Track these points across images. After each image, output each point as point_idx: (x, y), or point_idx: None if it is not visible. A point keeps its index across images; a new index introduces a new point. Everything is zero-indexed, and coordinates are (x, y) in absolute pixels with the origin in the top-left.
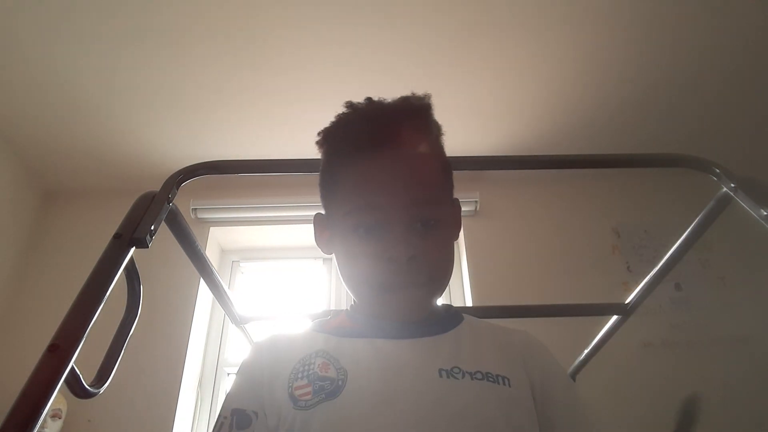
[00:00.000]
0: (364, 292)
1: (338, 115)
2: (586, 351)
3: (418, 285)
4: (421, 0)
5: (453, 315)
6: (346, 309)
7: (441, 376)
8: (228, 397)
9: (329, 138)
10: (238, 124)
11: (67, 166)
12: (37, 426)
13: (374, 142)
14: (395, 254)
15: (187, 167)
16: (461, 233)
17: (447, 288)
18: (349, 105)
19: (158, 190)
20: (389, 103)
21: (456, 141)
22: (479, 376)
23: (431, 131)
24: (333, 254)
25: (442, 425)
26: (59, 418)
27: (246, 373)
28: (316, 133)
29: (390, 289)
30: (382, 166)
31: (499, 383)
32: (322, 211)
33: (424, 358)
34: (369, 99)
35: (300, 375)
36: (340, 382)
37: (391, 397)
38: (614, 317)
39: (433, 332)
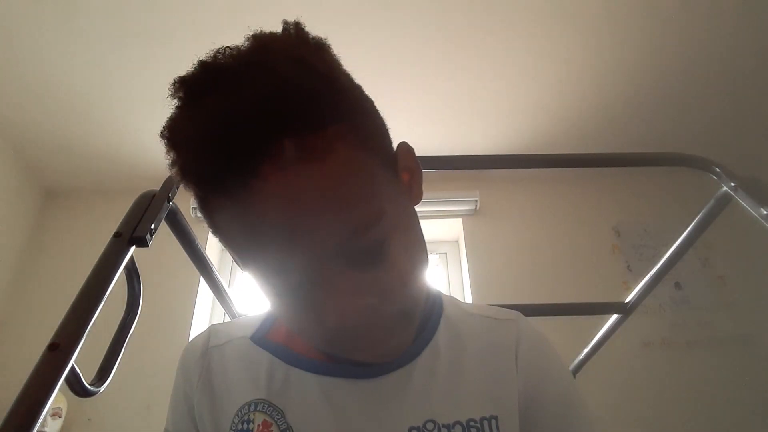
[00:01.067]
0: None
1: (174, 110)
2: (585, 350)
3: (387, 333)
4: (421, 1)
5: (428, 316)
6: None
7: None
8: (167, 416)
9: (176, 147)
10: None
11: (67, 166)
12: (38, 425)
13: (240, 168)
14: (338, 323)
15: None
16: (461, 233)
17: (447, 289)
18: (182, 86)
19: (158, 189)
20: (243, 74)
21: (455, 141)
22: (459, 429)
23: (328, 97)
24: None
25: None
26: (59, 417)
27: (178, 393)
28: None
29: (352, 349)
30: (276, 200)
31: (487, 429)
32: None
33: (392, 413)
34: (206, 70)
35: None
36: None
37: None
38: (614, 316)
39: (402, 362)
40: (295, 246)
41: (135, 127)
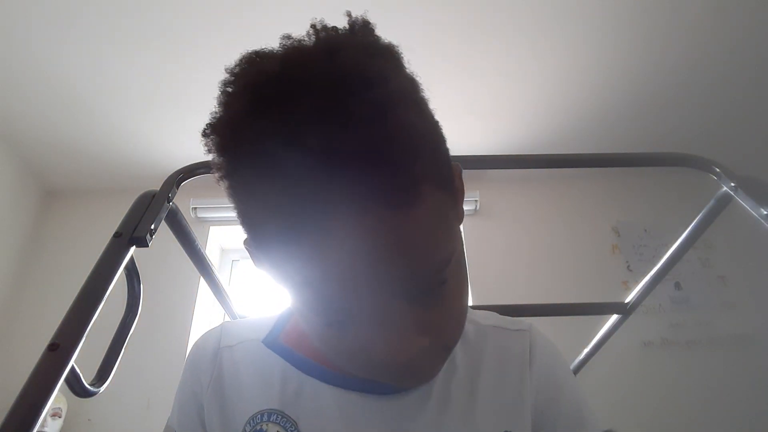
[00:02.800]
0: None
1: (241, 110)
2: (586, 350)
3: (432, 364)
4: (421, 1)
5: None
6: None
7: None
8: (171, 412)
9: (231, 155)
10: None
11: (67, 166)
12: (38, 425)
13: (321, 208)
14: (388, 358)
15: (186, 166)
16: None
17: None
18: (254, 91)
19: (158, 189)
20: (356, 110)
21: (456, 141)
22: None
23: (413, 123)
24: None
25: None
26: (59, 417)
27: (186, 390)
28: None
29: (380, 378)
30: (346, 246)
31: None
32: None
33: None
34: (287, 78)
35: None
36: None
37: None
38: (614, 316)
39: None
40: (363, 289)
41: (135, 128)
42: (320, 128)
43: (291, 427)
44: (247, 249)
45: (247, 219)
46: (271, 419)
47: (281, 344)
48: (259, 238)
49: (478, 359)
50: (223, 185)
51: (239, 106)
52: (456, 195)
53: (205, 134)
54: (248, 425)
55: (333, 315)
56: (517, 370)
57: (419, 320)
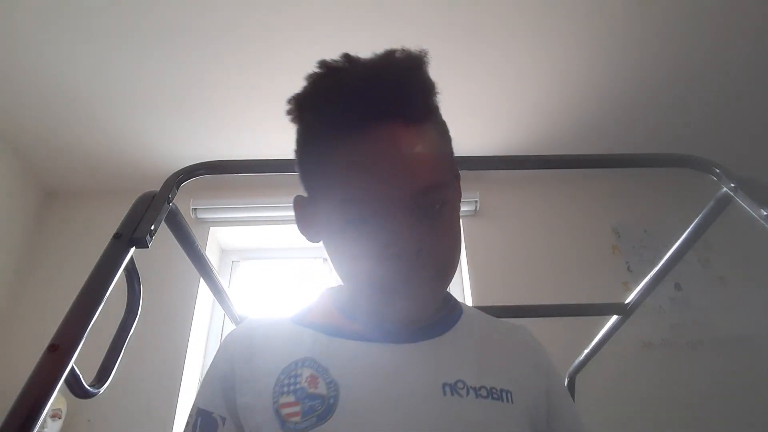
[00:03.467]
0: (366, 293)
1: (313, 78)
2: (586, 351)
3: (427, 281)
4: (420, 3)
5: (452, 307)
6: (334, 299)
7: (445, 393)
8: (197, 393)
9: (305, 109)
10: (239, 124)
11: (67, 166)
12: (37, 426)
13: (364, 117)
14: (401, 249)
15: (187, 167)
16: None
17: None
18: (325, 65)
19: (158, 190)
20: (377, 63)
21: (456, 141)
22: (484, 392)
23: (430, 94)
24: (321, 242)
25: None
26: (59, 418)
27: (216, 373)
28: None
29: (396, 289)
30: (377, 148)
31: (503, 400)
32: (303, 194)
33: (427, 369)
34: (348, 57)
35: (286, 389)
36: (331, 400)
37: (392, 420)
38: (614, 317)
39: (433, 333)
40: (393, 178)
41: (135, 128)
42: (367, 71)
43: (323, 371)
44: (296, 210)
45: (307, 156)
46: (305, 365)
47: (308, 320)
48: (314, 167)
49: (481, 333)
50: (298, 136)
51: (314, 75)
52: (455, 171)
53: (290, 101)
54: (283, 374)
55: (364, 207)
56: (520, 354)
57: (421, 229)
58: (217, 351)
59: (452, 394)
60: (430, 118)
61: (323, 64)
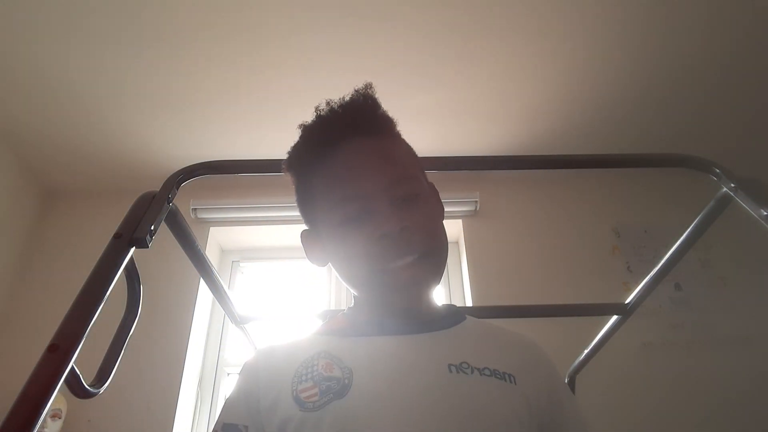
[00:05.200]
0: (366, 279)
1: (300, 134)
2: (586, 351)
3: (416, 257)
4: (419, 3)
5: (454, 313)
6: (344, 311)
7: (451, 371)
8: (222, 410)
9: (294, 155)
10: (239, 124)
11: (68, 167)
12: (37, 426)
13: (337, 137)
14: (386, 229)
15: (187, 167)
16: (461, 233)
17: (447, 289)
18: (302, 125)
19: (158, 190)
20: (341, 101)
21: (455, 141)
22: (487, 372)
23: (389, 119)
24: (329, 263)
25: (456, 420)
26: (59, 418)
27: (240, 385)
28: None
29: (393, 268)
30: (352, 155)
31: (506, 381)
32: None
33: (431, 352)
34: (320, 105)
35: (304, 377)
36: (346, 381)
37: (403, 393)
38: (614, 317)
39: (435, 328)
40: (368, 174)
41: (135, 128)
42: (332, 110)
43: (337, 360)
44: (305, 242)
45: (302, 186)
46: (320, 357)
47: (323, 331)
48: (309, 191)
49: (484, 334)
50: (295, 182)
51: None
52: (423, 173)
53: (284, 160)
54: (301, 367)
55: (350, 205)
56: (521, 355)
57: (399, 212)
58: (241, 371)
59: (458, 372)
60: (387, 132)
61: (301, 125)
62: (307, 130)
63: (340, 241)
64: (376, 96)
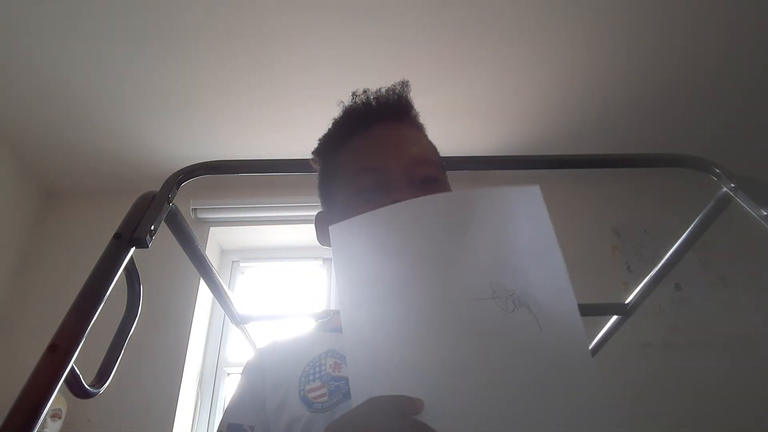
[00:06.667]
0: None
1: (331, 124)
2: None
3: None
4: (421, 3)
5: None
6: None
7: None
8: (226, 409)
9: (324, 141)
10: (239, 124)
11: (67, 166)
12: (37, 426)
13: (368, 121)
14: (399, 198)
15: (187, 167)
16: None
17: None
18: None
19: (158, 190)
20: (378, 94)
21: (456, 141)
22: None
23: (417, 116)
24: None
25: None
26: (59, 418)
27: (244, 384)
28: (316, 133)
29: None
30: (379, 135)
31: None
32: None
33: None
34: (357, 91)
35: (311, 377)
36: None
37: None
38: (614, 317)
39: None
40: (391, 152)
41: (135, 128)
42: (377, 105)
43: (343, 358)
44: (318, 223)
45: (327, 164)
46: (328, 356)
47: (328, 327)
48: (332, 166)
49: None
50: (320, 165)
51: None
52: (441, 162)
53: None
54: (308, 366)
55: (369, 177)
56: None
57: (418, 192)
58: (244, 370)
59: None
60: (412, 121)
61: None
62: (339, 119)
63: (353, 209)
64: (410, 96)
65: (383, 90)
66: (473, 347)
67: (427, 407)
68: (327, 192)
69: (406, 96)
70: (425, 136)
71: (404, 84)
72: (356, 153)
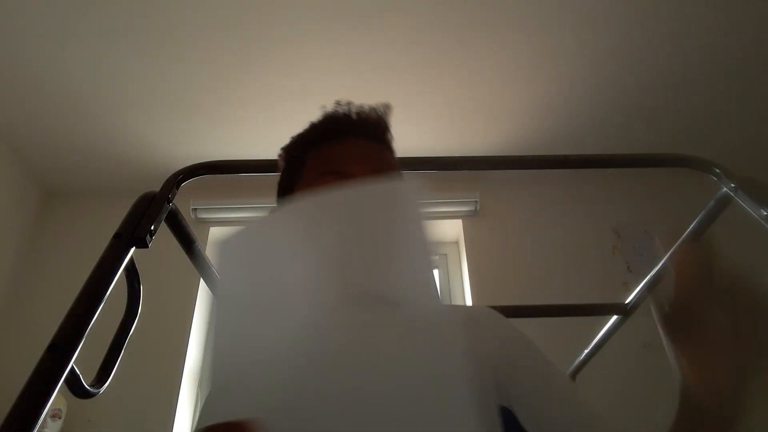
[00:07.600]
0: None
1: (308, 126)
2: (586, 351)
3: None
4: (419, 3)
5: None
6: None
7: None
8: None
9: (297, 140)
10: (239, 124)
11: (67, 166)
12: (37, 426)
13: (345, 132)
14: None
15: (187, 167)
16: (461, 233)
17: (447, 289)
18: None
19: (158, 190)
20: (359, 109)
21: (456, 141)
22: None
23: (392, 139)
24: None
25: None
26: (59, 418)
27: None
28: None
29: None
30: (350, 145)
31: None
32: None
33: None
34: (340, 101)
35: None
36: None
37: None
38: (614, 317)
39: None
40: (357, 160)
41: (135, 129)
42: (354, 115)
43: None
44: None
45: (292, 164)
46: None
47: None
48: (297, 167)
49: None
50: (285, 161)
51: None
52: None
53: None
54: None
55: (331, 178)
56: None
57: None
58: None
59: None
60: (386, 144)
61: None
62: (317, 123)
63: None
64: (389, 120)
65: (366, 107)
66: (326, 359)
67: (269, 427)
68: (286, 189)
69: (386, 119)
70: (395, 159)
71: (387, 107)
72: (325, 157)
